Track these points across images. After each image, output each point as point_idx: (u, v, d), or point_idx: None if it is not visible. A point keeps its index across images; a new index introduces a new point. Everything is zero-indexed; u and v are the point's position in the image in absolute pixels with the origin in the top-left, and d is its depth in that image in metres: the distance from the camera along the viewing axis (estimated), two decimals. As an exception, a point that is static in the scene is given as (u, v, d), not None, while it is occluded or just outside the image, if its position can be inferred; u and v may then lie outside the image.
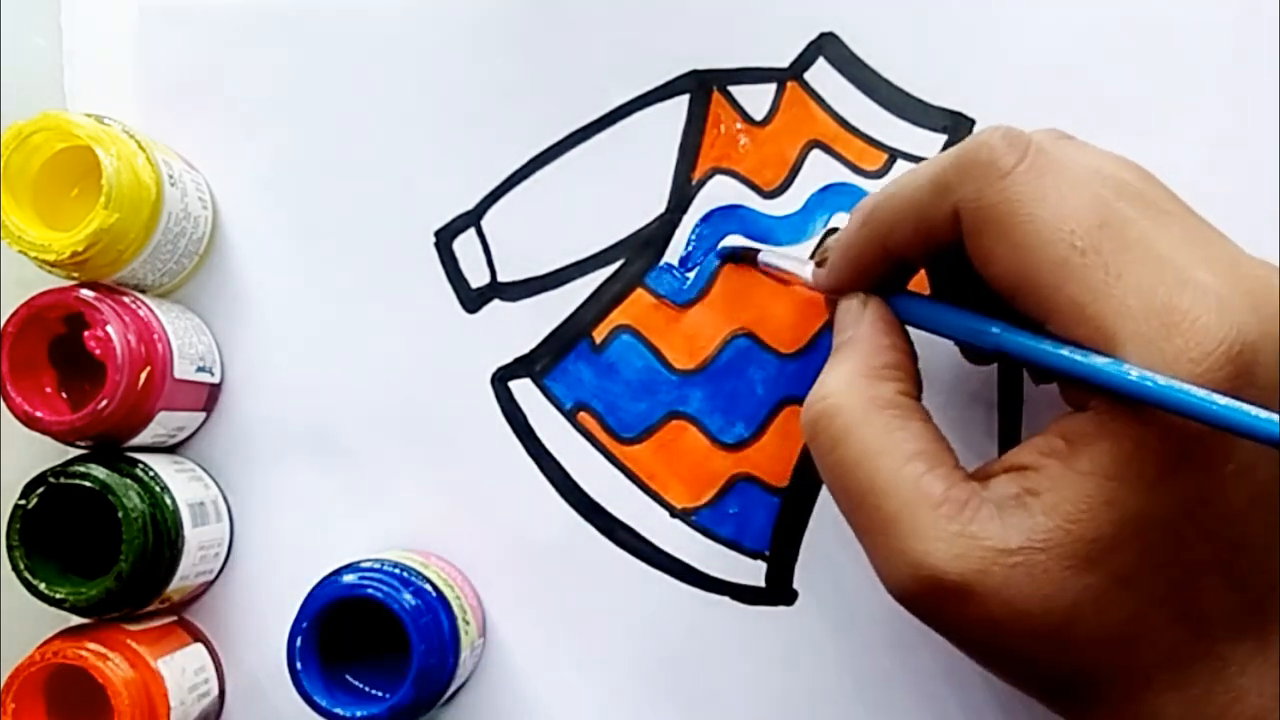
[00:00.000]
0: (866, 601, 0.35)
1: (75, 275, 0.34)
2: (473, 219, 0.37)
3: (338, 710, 0.32)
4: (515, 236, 0.37)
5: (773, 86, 0.37)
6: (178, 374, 0.35)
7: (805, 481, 0.36)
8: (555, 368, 0.37)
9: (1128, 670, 0.26)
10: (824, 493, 0.36)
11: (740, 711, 0.36)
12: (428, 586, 0.34)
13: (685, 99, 0.37)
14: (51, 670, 0.33)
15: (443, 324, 0.37)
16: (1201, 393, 0.23)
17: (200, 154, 0.38)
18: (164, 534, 0.34)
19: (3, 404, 0.33)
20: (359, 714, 0.32)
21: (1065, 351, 0.26)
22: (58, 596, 0.33)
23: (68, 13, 0.38)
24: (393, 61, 0.38)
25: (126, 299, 0.35)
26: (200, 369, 0.36)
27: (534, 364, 0.37)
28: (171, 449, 0.38)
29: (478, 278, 0.37)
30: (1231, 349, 0.24)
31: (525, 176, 0.37)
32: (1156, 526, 0.25)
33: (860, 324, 0.30)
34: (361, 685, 0.34)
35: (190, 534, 0.35)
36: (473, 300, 0.37)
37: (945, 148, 0.36)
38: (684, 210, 0.37)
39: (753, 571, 0.36)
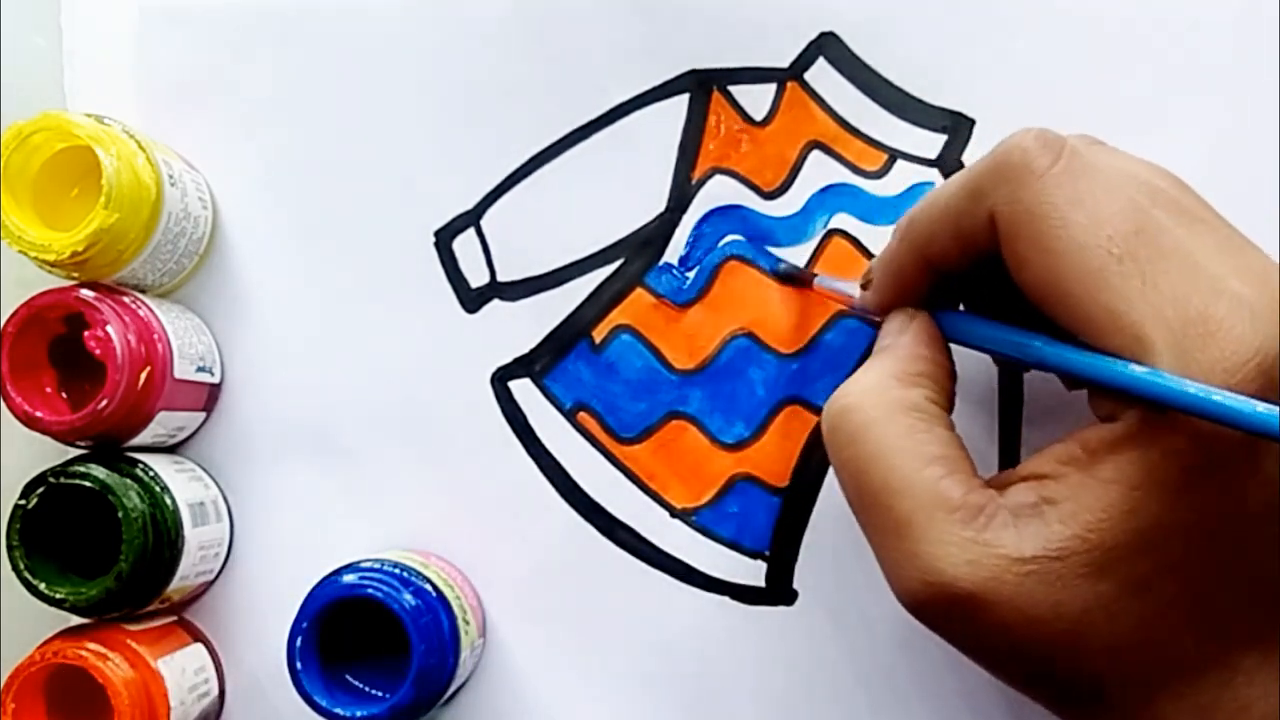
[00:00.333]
0: (867, 601, 0.35)
1: (75, 275, 0.34)
2: (472, 219, 0.37)
3: (338, 710, 0.32)
4: (515, 236, 0.37)
5: (773, 86, 0.37)
6: (178, 374, 0.35)
7: (805, 481, 0.36)
8: (555, 367, 0.37)
9: (1138, 677, 0.26)
10: (824, 493, 0.36)
11: (740, 711, 0.36)
12: (428, 586, 0.34)
13: (685, 99, 0.37)
14: (51, 670, 0.33)
15: (442, 324, 0.37)
16: (1247, 401, 0.23)
17: (200, 154, 0.38)
18: (164, 534, 0.34)
19: (3, 404, 0.33)
20: (359, 714, 0.32)
21: (1106, 362, 0.25)
22: (58, 596, 0.33)
23: (68, 13, 0.38)
24: (393, 61, 0.38)
25: (126, 299, 0.35)
26: (200, 369, 0.36)
27: (534, 364, 0.37)
28: (171, 449, 0.38)
29: (477, 277, 0.37)
30: (1265, 359, 0.24)
31: (525, 176, 0.37)
32: (1175, 535, 0.25)
33: (902, 334, 0.30)
34: (361, 685, 0.34)
35: (190, 534, 0.35)
36: (472, 300, 0.37)
37: (945, 148, 0.36)
38: (684, 210, 0.37)
39: (753, 571, 0.36)
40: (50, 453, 0.36)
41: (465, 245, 0.37)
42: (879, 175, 0.36)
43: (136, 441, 0.35)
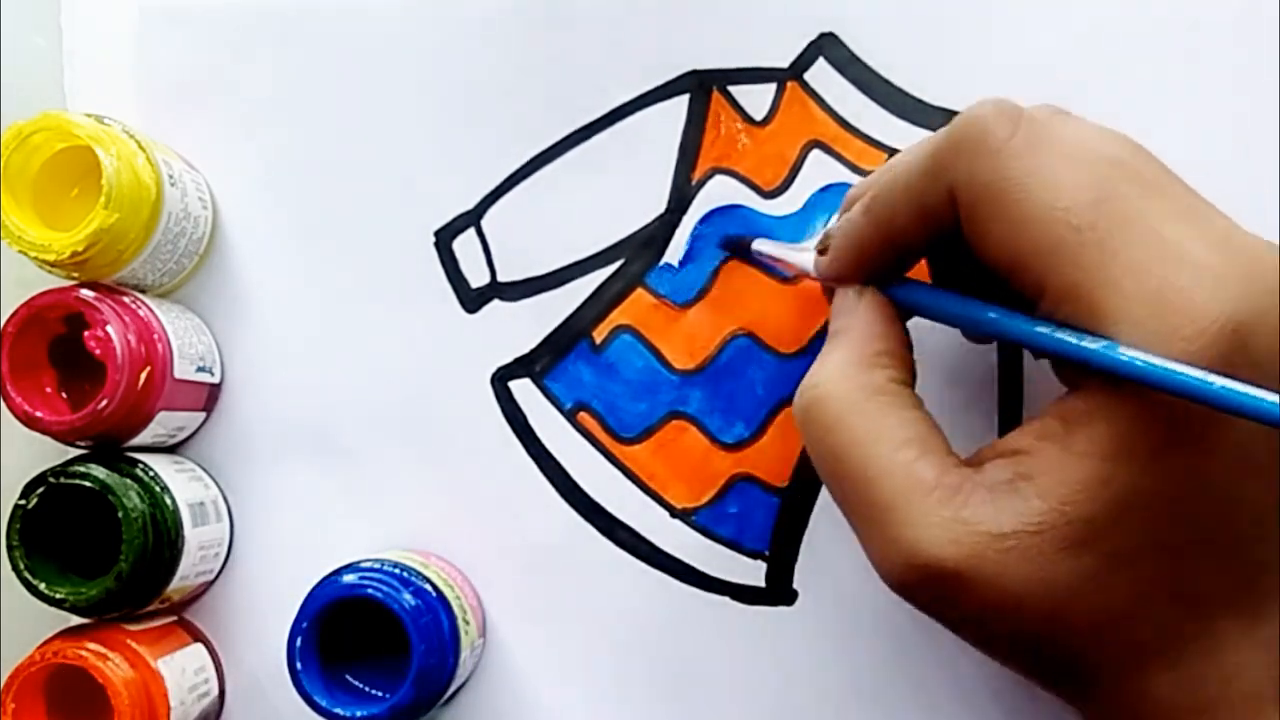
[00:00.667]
0: (866, 601, 0.35)
1: (75, 275, 0.34)
2: (472, 219, 0.37)
3: (338, 710, 0.32)
4: (515, 236, 0.37)
5: (773, 86, 0.37)
6: (178, 374, 0.35)
7: (805, 481, 0.36)
8: (555, 368, 0.37)
9: (1123, 650, 0.26)
10: (824, 493, 0.36)
11: (740, 711, 0.36)
12: (428, 586, 0.34)
13: (685, 99, 0.37)
14: (51, 670, 0.33)
15: (443, 324, 0.37)
16: (1193, 372, 0.23)
17: (200, 154, 0.38)
18: (164, 534, 0.34)
19: (3, 404, 0.33)
20: (359, 714, 0.32)
21: (1060, 335, 0.25)
22: (58, 596, 0.33)
23: (68, 13, 0.38)
24: (393, 61, 0.38)
25: (126, 299, 0.35)
26: (200, 369, 0.36)
27: (534, 364, 0.37)
28: (171, 449, 0.38)
29: (478, 278, 0.37)
30: (1225, 326, 0.24)
31: (525, 176, 0.37)
32: (1151, 505, 0.25)
33: (855, 313, 0.30)
34: (361, 685, 0.34)
35: (190, 534, 0.35)
36: (473, 300, 0.37)
37: (945, 147, 0.36)
38: (684, 210, 0.37)
39: (753, 571, 0.36)
40: (50, 453, 0.36)
41: (465, 245, 0.37)
42: (879, 175, 0.36)
43: (136, 441, 0.35)
